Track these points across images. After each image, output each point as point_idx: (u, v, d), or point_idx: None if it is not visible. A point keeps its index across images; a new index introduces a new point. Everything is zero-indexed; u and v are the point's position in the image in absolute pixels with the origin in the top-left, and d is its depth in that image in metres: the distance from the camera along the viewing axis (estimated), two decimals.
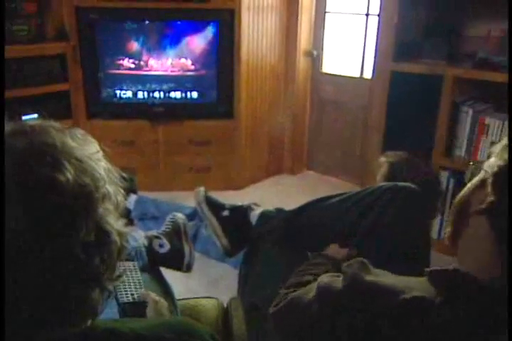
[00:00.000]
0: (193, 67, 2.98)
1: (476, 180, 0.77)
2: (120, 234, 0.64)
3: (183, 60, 2.96)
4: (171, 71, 2.98)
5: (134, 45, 2.92)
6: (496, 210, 0.70)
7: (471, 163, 0.79)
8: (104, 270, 0.61)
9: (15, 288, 0.56)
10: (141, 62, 2.95)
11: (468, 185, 0.78)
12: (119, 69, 2.94)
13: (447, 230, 0.81)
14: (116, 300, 1.19)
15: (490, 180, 0.71)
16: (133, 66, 2.94)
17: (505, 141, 0.73)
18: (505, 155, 0.70)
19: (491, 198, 0.70)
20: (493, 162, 0.73)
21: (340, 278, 0.81)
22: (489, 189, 0.71)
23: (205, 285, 2.20)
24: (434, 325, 0.69)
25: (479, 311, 0.68)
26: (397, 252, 1.28)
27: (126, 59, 2.92)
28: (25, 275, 0.56)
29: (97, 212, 0.60)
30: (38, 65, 2.72)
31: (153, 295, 1.16)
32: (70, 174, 0.58)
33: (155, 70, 2.97)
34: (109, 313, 1.09)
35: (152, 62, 2.96)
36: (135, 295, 1.20)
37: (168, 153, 3.12)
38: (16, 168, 0.57)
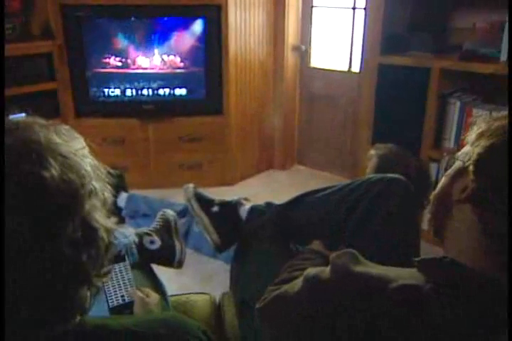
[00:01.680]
0: (181, 64, 2.96)
1: (452, 170, 0.78)
2: (107, 230, 0.64)
3: (171, 57, 2.95)
4: (160, 69, 2.97)
5: (121, 43, 2.90)
6: (479, 197, 0.71)
7: (446, 154, 0.81)
8: (92, 266, 0.61)
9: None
10: (128, 60, 2.93)
11: (445, 175, 0.79)
12: (105, 67, 2.92)
13: (431, 223, 0.82)
14: (107, 304, 1.18)
15: (471, 168, 0.72)
16: (120, 64, 2.92)
17: (479, 129, 0.74)
18: (483, 143, 0.71)
19: (472, 185, 0.71)
20: (470, 150, 0.74)
21: (328, 268, 0.81)
22: (471, 177, 0.72)
23: (198, 281, 2.20)
24: (425, 311, 0.69)
25: (469, 297, 0.69)
26: (388, 245, 1.28)
27: (113, 57, 2.90)
28: (13, 274, 0.56)
29: (83, 209, 0.60)
30: (24, 63, 2.70)
31: (139, 293, 1.15)
32: (55, 170, 0.57)
33: (143, 68, 2.95)
34: (99, 314, 1.09)
35: (140, 60, 2.94)
36: (125, 297, 1.19)
37: (158, 150, 3.11)
38: None
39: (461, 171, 0.75)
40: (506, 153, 0.68)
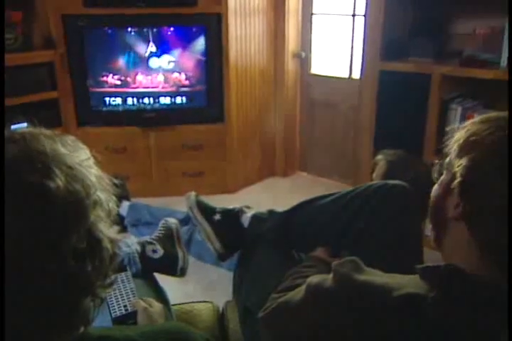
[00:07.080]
0: (186, 82, 2.97)
1: (442, 181, 0.77)
2: (112, 241, 0.63)
3: (175, 75, 2.95)
4: (163, 88, 2.96)
5: (122, 57, 2.89)
6: (470, 215, 0.70)
7: (436, 162, 0.80)
8: (96, 277, 0.61)
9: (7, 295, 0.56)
10: (128, 79, 2.93)
11: (438, 184, 0.79)
12: (103, 87, 2.92)
13: (431, 234, 0.82)
14: (110, 314, 1.17)
15: (457, 191, 0.71)
16: (119, 83, 2.92)
17: (459, 140, 0.73)
18: (464, 162, 0.70)
19: (464, 205, 0.71)
20: (454, 165, 0.72)
21: (330, 276, 0.81)
22: (458, 199, 0.71)
23: (201, 289, 2.20)
24: (429, 320, 0.69)
25: (474, 305, 0.68)
26: (390, 252, 1.27)
27: (111, 75, 2.90)
28: (15, 283, 0.56)
29: (88, 219, 0.60)
30: (26, 73, 2.71)
31: (142, 303, 1.15)
32: (60, 181, 0.57)
33: (144, 87, 2.95)
34: (103, 324, 1.08)
35: (140, 77, 2.94)
36: (128, 307, 1.19)
37: (160, 158, 3.11)
38: (5, 175, 0.56)
39: (450, 189, 0.74)
40: (489, 169, 0.67)
